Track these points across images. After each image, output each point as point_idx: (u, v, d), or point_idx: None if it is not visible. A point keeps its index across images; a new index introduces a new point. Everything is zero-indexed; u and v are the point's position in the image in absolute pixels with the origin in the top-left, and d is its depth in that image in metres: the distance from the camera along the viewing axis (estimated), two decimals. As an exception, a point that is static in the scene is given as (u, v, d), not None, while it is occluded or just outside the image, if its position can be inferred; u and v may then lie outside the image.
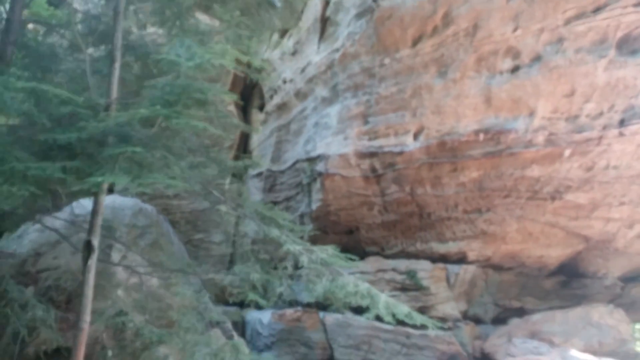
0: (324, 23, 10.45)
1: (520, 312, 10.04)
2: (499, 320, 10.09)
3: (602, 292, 10.13)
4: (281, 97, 12.06)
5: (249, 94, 13.62)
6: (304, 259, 5.39)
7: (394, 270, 9.98)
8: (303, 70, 10.99)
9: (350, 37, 9.29)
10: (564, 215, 8.80)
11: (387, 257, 10.38)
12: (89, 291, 4.86)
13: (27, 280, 6.10)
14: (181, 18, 6.43)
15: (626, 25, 6.97)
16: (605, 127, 7.52)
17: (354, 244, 10.52)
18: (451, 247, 9.74)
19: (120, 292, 6.27)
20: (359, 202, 10.10)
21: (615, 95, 7.33)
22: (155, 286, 6.54)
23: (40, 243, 6.64)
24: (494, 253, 9.70)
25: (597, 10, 7.05)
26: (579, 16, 7.15)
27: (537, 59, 7.56)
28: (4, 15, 6.65)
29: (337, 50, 9.71)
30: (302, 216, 10.92)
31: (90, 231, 5.02)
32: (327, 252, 5.58)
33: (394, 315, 5.31)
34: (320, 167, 9.92)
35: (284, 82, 11.85)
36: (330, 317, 9.97)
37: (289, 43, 11.72)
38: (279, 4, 8.14)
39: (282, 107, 12.12)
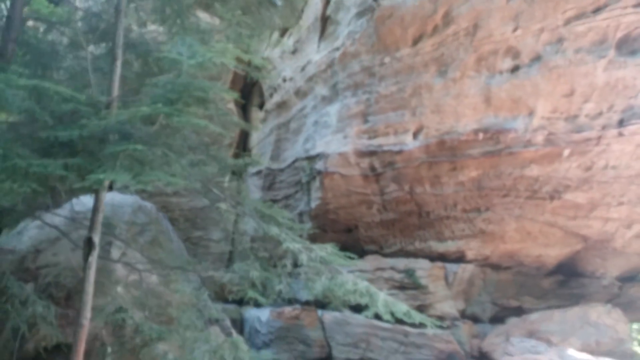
0: (325, 22, 10.46)
1: (518, 311, 10.06)
2: (497, 319, 10.11)
3: (600, 291, 10.15)
4: (281, 95, 12.07)
5: (248, 92, 13.64)
6: (303, 257, 5.38)
7: (392, 268, 10.00)
8: (303, 68, 11.00)
9: (351, 36, 9.30)
10: (562, 215, 8.82)
11: (386, 255, 10.39)
12: (90, 288, 4.85)
13: (27, 277, 6.08)
14: (182, 16, 6.45)
15: (626, 25, 6.99)
16: (604, 127, 7.54)
17: (353, 243, 10.53)
18: (450, 246, 9.76)
19: (119, 289, 6.27)
20: (358, 201, 10.11)
21: (615, 96, 7.35)
22: (154, 283, 6.55)
23: (40, 240, 6.63)
24: (492, 252, 9.73)
25: (597, 10, 7.07)
26: (579, 16, 7.17)
27: (536, 59, 7.58)
28: (5, 13, 6.65)
29: (337, 49, 9.71)
30: (301, 214, 10.93)
31: (91, 228, 5.02)
32: (326, 250, 5.59)
33: (392, 314, 5.31)
34: (319, 165, 9.94)
35: (284, 80, 11.85)
36: (328, 315, 9.99)
37: (289, 41, 11.73)
38: (279, 3, 8.13)
39: (282, 106, 12.13)
